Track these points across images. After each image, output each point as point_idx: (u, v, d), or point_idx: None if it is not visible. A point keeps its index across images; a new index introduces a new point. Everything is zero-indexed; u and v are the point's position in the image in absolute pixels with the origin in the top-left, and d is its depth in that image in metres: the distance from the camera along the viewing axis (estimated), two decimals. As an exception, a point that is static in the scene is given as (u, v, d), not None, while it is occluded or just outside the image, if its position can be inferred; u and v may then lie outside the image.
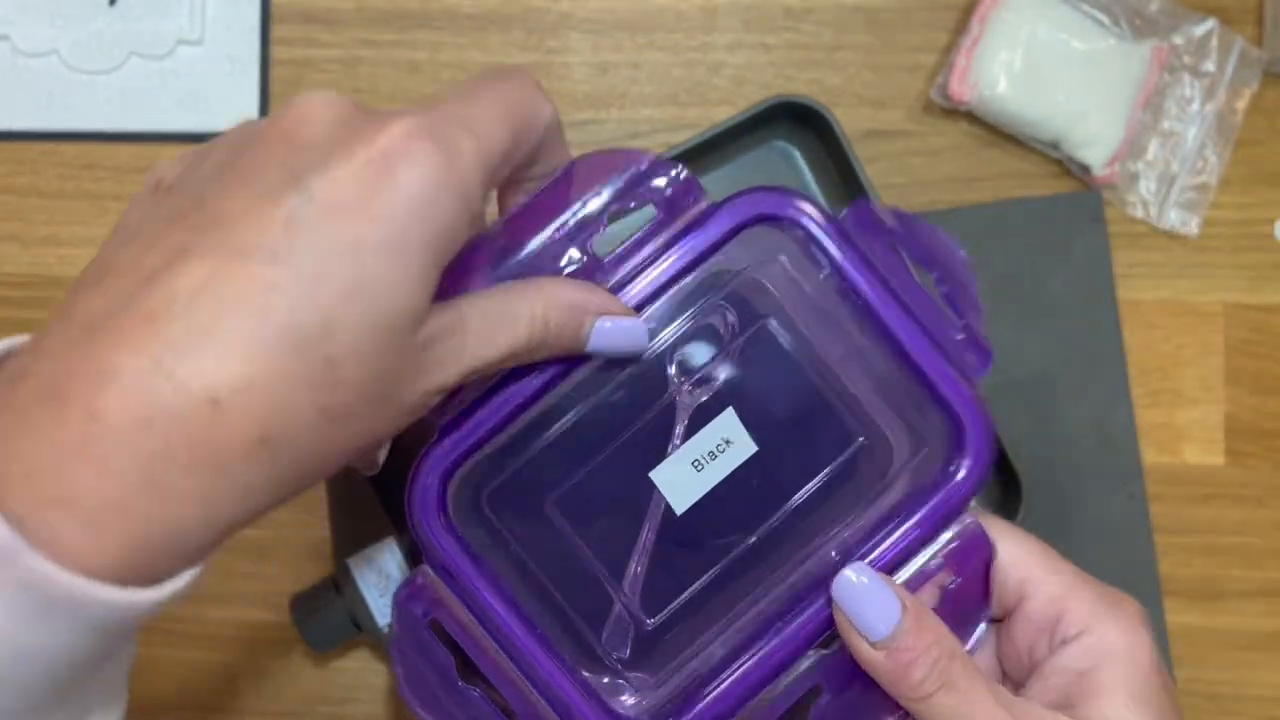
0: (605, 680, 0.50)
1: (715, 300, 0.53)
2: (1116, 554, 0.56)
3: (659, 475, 0.51)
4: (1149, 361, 0.57)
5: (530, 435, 0.53)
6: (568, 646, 0.51)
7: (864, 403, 0.50)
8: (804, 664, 0.46)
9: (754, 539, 0.54)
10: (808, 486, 0.54)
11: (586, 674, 0.50)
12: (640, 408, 0.54)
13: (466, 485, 0.51)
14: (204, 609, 0.56)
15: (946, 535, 0.44)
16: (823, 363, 0.50)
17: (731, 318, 0.53)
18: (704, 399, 0.53)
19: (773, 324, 0.52)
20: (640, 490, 0.54)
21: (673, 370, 0.54)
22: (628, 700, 0.48)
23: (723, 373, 0.53)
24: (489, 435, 0.48)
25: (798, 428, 0.54)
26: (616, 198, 0.43)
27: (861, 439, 0.53)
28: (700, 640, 0.49)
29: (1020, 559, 0.40)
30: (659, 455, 0.53)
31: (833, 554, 0.49)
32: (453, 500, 0.49)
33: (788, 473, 0.54)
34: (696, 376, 0.54)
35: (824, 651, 0.45)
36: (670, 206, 0.43)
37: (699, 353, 0.54)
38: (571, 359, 0.47)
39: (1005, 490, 0.54)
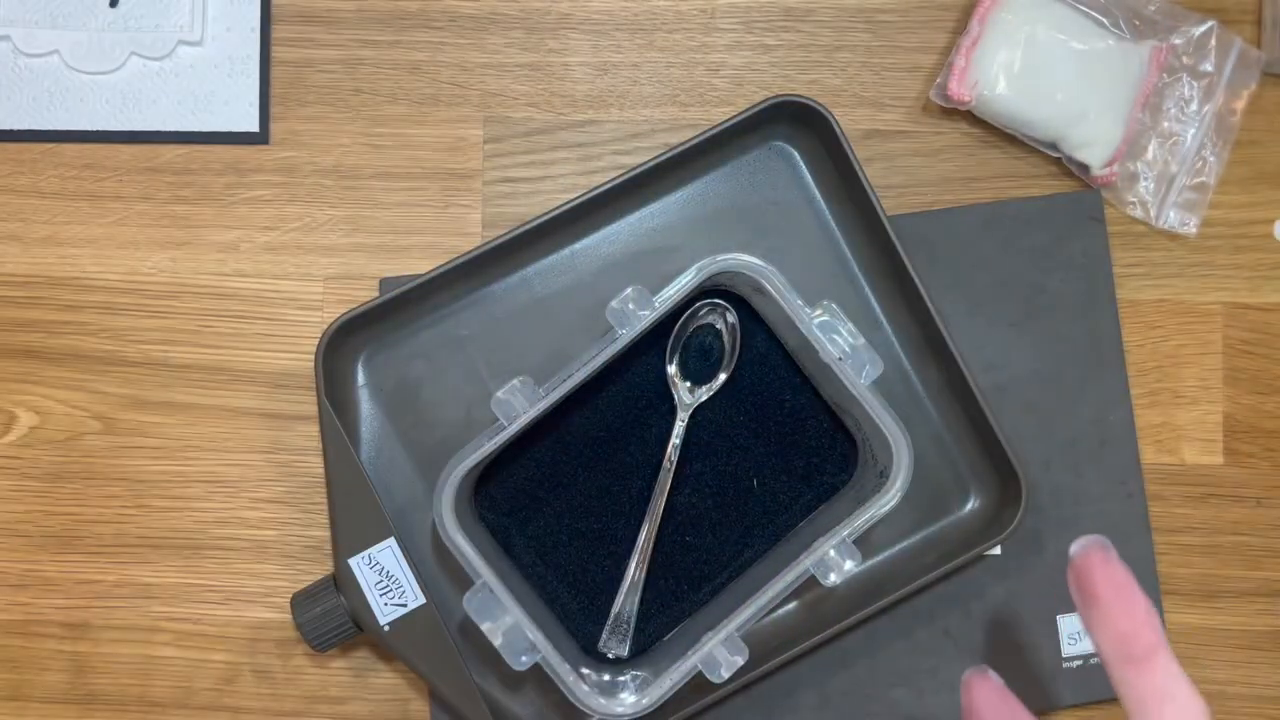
0: (605, 677, 0.51)
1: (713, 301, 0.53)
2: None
3: None
4: (1148, 361, 0.57)
5: (530, 437, 0.53)
6: (568, 646, 0.51)
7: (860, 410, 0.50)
8: None
9: (751, 541, 0.54)
10: (805, 490, 0.54)
11: (586, 670, 0.50)
12: (641, 411, 0.54)
13: (466, 489, 0.52)
14: (205, 609, 0.56)
15: None
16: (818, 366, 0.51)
17: (731, 318, 0.53)
18: (704, 398, 0.54)
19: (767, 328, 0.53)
20: (640, 491, 0.54)
21: (673, 370, 0.54)
22: (627, 698, 0.49)
23: (722, 374, 0.54)
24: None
25: (795, 433, 0.54)
26: None
27: (859, 444, 0.54)
28: (699, 639, 0.49)
29: None
30: (659, 458, 0.53)
31: (830, 552, 0.49)
32: (454, 504, 0.49)
33: (785, 477, 0.54)
34: (696, 377, 0.54)
35: None
36: None
37: (699, 354, 0.54)
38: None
39: (1005, 489, 0.54)
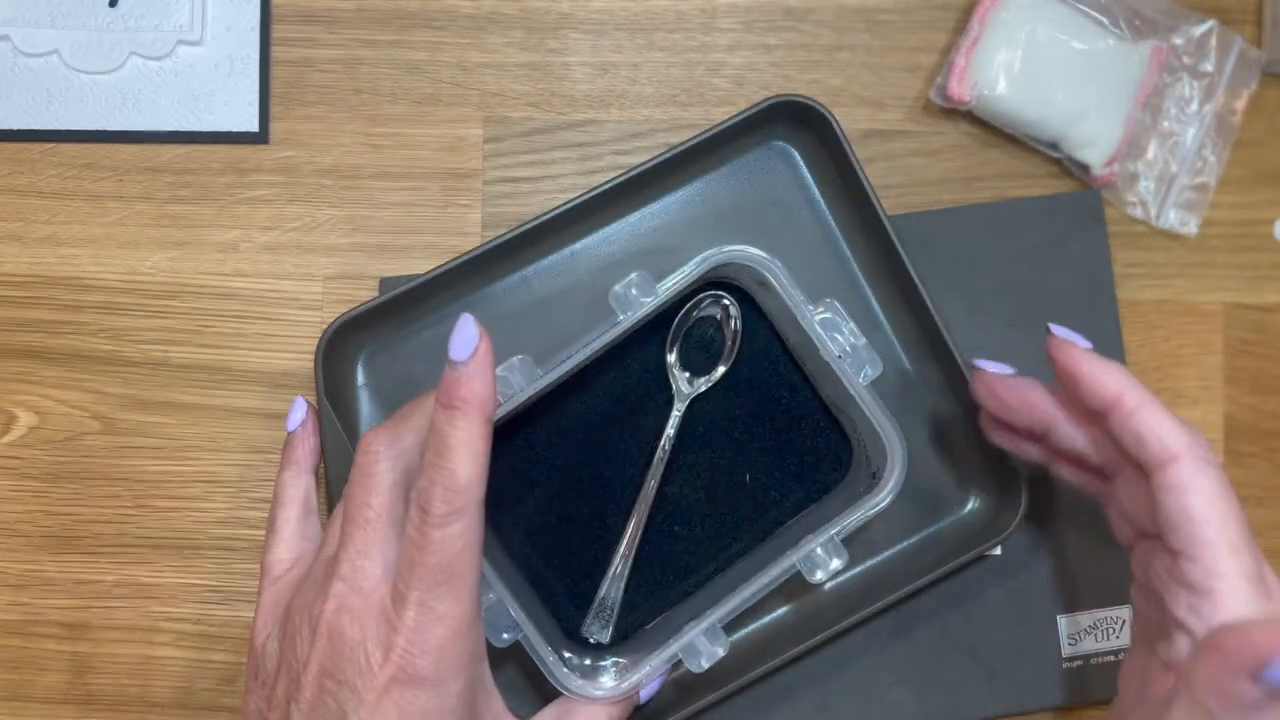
0: (586, 662, 0.51)
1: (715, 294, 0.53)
2: (1117, 553, 0.56)
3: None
4: (1148, 361, 0.57)
5: (526, 417, 0.53)
6: (551, 628, 0.51)
7: (857, 412, 0.50)
8: None
9: (740, 535, 0.54)
10: (796, 488, 0.54)
11: (568, 654, 0.50)
12: (638, 399, 0.54)
13: None
14: (205, 609, 0.56)
15: None
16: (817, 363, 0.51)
17: (734, 310, 0.53)
18: (702, 389, 0.54)
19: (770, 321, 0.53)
20: (632, 478, 0.54)
21: (672, 359, 0.54)
22: (606, 682, 0.49)
23: (721, 366, 0.54)
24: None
25: (790, 430, 0.54)
26: None
27: (853, 446, 0.54)
28: (681, 628, 0.49)
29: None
30: (653, 447, 0.53)
31: (817, 550, 0.49)
32: None
33: (777, 474, 0.54)
34: (695, 368, 0.54)
35: None
36: None
37: (699, 345, 0.54)
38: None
39: (1005, 489, 0.54)
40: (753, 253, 0.50)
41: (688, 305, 0.53)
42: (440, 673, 0.41)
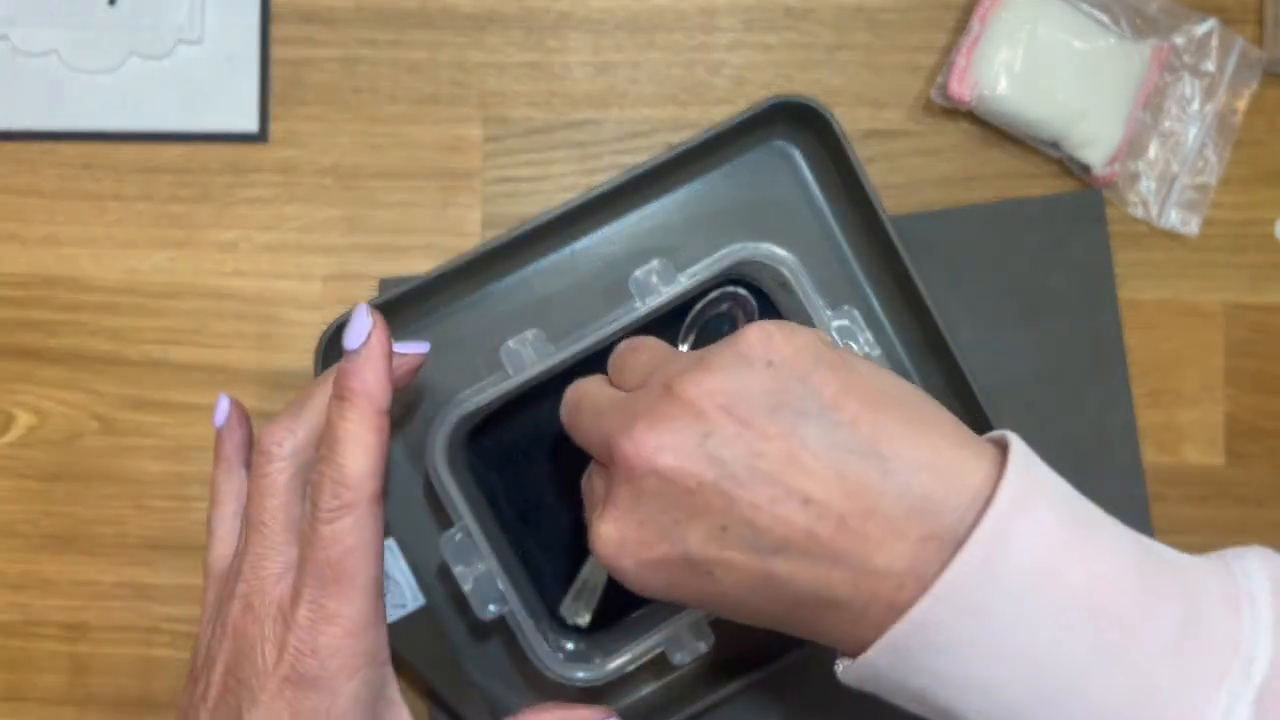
0: (569, 645, 0.51)
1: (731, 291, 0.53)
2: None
3: None
4: (1149, 361, 0.57)
5: (533, 394, 0.53)
6: (537, 607, 0.51)
7: None
8: None
9: None
10: None
11: (551, 634, 0.50)
12: None
13: (462, 435, 0.52)
14: (204, 609, 0.56)
15: None
16: None
17: (752, 306, 0.53)
18: None
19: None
20: None
21: (685, 350, 0.54)
22: (595, 661, 0.49)
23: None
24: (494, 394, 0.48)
25: None
26: None
27: None
28: (666, 619, 0.49)
29: None
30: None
31: None
32: (449, 446, 0.49)
33: None
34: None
35: None
36: None
37: (713, 340, 0.54)
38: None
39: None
40: (777, 252, 0.50)
41: (705, 300, 0.53)
42: (330, 673, 0.40)
